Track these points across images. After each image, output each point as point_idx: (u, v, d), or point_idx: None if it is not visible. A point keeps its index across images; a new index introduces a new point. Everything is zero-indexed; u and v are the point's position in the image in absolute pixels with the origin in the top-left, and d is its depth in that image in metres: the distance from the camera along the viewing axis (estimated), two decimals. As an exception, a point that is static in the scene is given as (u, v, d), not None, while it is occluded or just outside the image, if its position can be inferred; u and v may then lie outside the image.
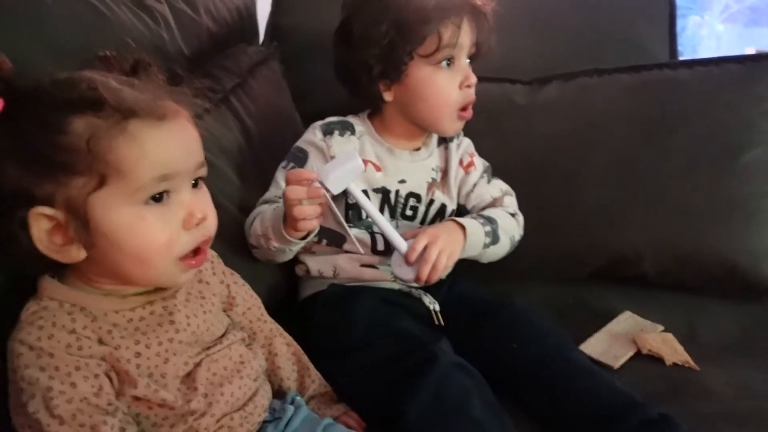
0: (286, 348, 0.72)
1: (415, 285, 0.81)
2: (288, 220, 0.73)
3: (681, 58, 1.28)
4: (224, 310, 0.67)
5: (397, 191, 0.88)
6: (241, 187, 0.91)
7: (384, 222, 0.76)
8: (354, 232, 0.83)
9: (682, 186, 0.98)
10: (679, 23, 1.33)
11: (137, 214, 0.50)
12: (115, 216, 0.50)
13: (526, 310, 0.82)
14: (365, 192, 0.84)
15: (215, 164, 0.87)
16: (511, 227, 0.90)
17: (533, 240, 0.94)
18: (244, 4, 1.22)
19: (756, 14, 2.42)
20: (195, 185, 0.56)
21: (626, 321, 0.90)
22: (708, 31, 2.35)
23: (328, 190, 0.71)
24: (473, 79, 0.85)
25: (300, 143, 0.88)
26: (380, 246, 0.86)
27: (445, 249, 0.76)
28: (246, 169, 0.94)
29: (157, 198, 0.52)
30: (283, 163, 0.87)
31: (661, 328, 0.88)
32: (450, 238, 0.79)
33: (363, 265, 0.85)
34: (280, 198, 0.81)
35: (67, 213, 0.49)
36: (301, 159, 0.86)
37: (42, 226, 0.49)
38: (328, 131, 0.87)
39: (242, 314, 0.69)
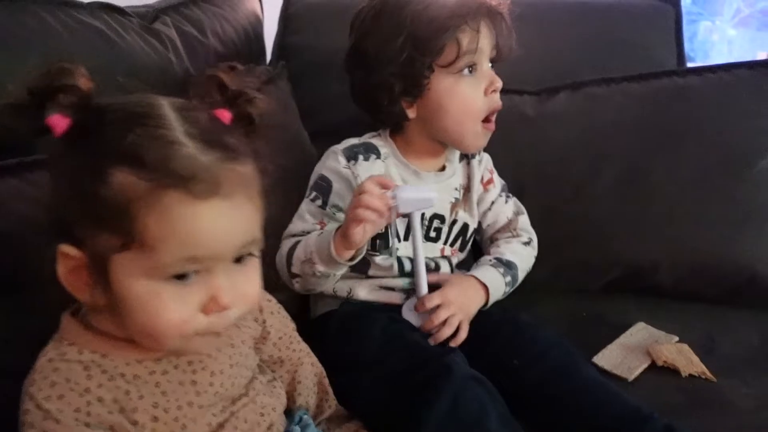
0: (311, 369, 0.69)
1: None
2: (345, 223, 0.71)
3: (691, 65, 1.27)
4: (255, 344, 0.63)
5: (423, 214, 0.84)
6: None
7: (423, 260, 0.77)
8: (379, 260, 0.82)
9: (696, 194, 0.97)
10: (690, 28, 1.32)
11: (153, 290, 0.45)
12: (131, 284, 0.45)
13: (530, 324, 0.80)
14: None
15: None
16: (528, 263, 0.90)
17: (546, 252, 0.93)
18: (250, 24, 1.24)
19: (769, 18, 2.39)
20: (239, 260, 0.48)
21: (640, 332, 0.88)
22: (719, 36, 2.33)
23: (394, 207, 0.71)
24: (499, 83, 0.82)
25: (322, 170, 0.84)
26: (407, 267, 0.84)
27: (458, 314, 0.77)
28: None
29: (182, 276, 0.45)
30: (310, 196, 0.83)
31: (676, 338, 0.86)
32: (468, 301, 0.80)
33: (382, 287, 0.84)
34: (308, 232, 0.80)
35: (90, 262, 0.45)
36: (325, 189, 0.82)
37: (67, 264, 0.46)
38: (351, 156, 0.83)
39: (273, 344, 0.65)
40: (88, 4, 0.82)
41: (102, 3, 0.84)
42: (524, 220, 0.94)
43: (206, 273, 0.46)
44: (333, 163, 0.83)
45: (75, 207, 0.45)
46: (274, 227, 0.92)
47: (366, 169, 0.82)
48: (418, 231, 0.76)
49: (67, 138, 0.44)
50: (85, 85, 0.45)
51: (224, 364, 0.54)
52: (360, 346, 0.75)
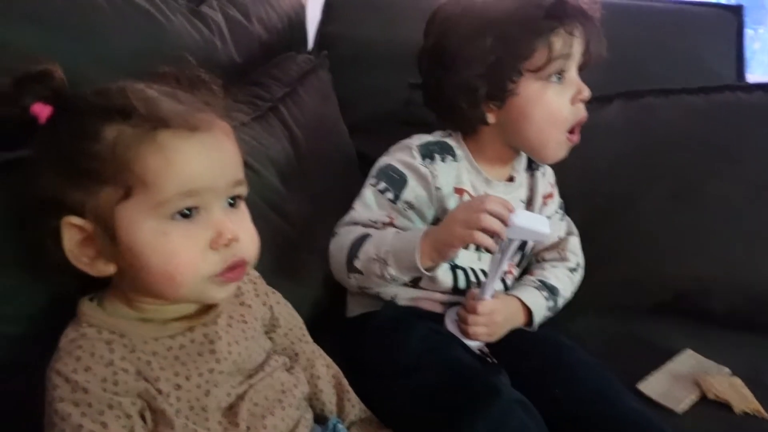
0: (326, 370, 0.69)
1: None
2: (448, 237, 0.66)
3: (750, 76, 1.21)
4: (266, 332, 0.64)
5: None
6: (287, 197, 0.89)
7: (498, 277, 0.74)
8: (439, 272, 0.78)
9: (754, 216, 0.92)
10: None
11: (161, 230, 0.48)
12: (139, 229, 0.48)
13: (571, 347, 0.77)
14: None
15: (262, 173, 0.86)
16: (571, 292, 0.87)
17: (589, 268, 0.90)
18: (294, 11, 1.21)
19: (815, 27, 2.28)
20: (232, 204, 0.53)
21: (688, 360, 0.84)
22: (761, 46, 2.24)
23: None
24: (587, 92, 0.77)
25: (393, 162, 0.79)
26: (461, 284, 0.81)
27: (487, 332, 0.75)
28: (293, 180, 0.92)
29: (186, 214, 0.49)
30: (378, 185, 0.78)
31: (728, 370, 0.81)
32: (506, 324, 0.78)
33: (427, 298, 0.82)
34: (375, 222, 0.77)
35: (96, 224, 0.48)
36: (397, 182, 0.78)
37: (74, 237, 0.49)
38: (427, 154, 0.78)
39: (284, 335, 0.67)
40: (136, -18, 0.79)
41: (150, -18, 0.81)
42: (575, 242, 0.90)
43: (206, 212, 0.50)
44: (407, 157, 0.78)
45: (73, 174, 0.47)
46: (315, 212, 0.91)
47: (444, 171, 0.78)
48: (508, 256, 0.71)
49: (51, 123, 0.49)
50: (59, 76, 0.50)
51: (239, 336, 0.56)
52: (398, 353, 0.72)
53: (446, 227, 0.68)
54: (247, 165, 0.83)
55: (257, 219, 0.82)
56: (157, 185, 0.47)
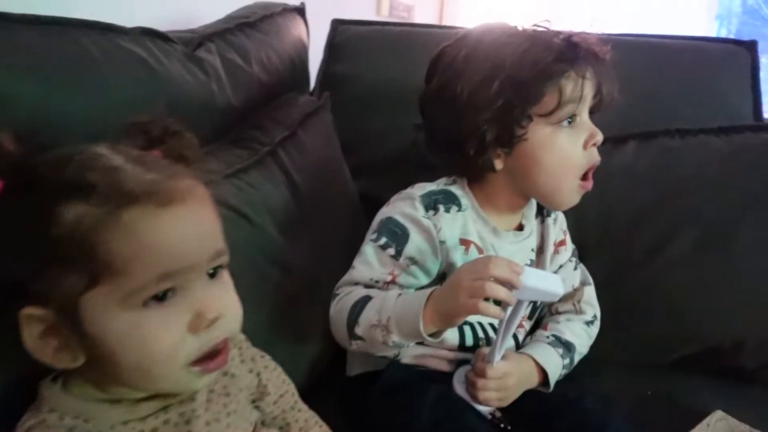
0: None
1: None
2: (452, 306, 0.62)
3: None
4: (254, 401, 0.59)
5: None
6: (286, 247, 0.85)
7: (508, 340, 0.70)
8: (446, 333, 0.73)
9: (791, 266, 0.86)
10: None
11: (133, 321, 0.42)
12: (107, 322, 0.42)
13: (597, 412, 0.70)
14: None
15: (258, 224, 0.81)
16: (586, 347, 0.82)
17: (609, 321, 0.84)
18: (296, 52, 1.19)
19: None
20: (213, 275, 0.47)
21: (719, 423, 0.77)
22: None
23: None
24: (600, 136, 0.73)
25: (395, 215, 0.74)
26: (468, 341, 0.76)
27: (498, 396, 0.71)
28: (293, 228, 0.87)
29: (161, 297, 0.43)
30: (379, 241, 0.73)
31: (765, 436, 0.75)
32: (519, 387, 0.73)
33: (433, 356, 0.77)
34: (377, 282, 0.72)
35: (59, 315, 0.42)
36: (399, 237, 0.73)
37: (34, 330, 0.43)
38: (430, 205, 0.74)
39: (274, 403, 0.61)
40: (132, 29, 0.76)
41: (146, 29, 0.78)
42: (590, 292, 0.85)
43: (184, 291, 0.44)
44: (409, 209, 0.74)
45: (29, 260, 0.42)
46: (317, 262, 0.87)
47: (449, 222, 0.74)
48: (518, 320, 0.67)
49: (4, 200, 0.43)
50: (10, 146, 0.44)
51: (220, 413, 0.51)
52: (405, 424, 0.67)
53: (450, 294, 0.63)
54: (244, 216, 0.81)
55: (254, 275, 0.80)
56: (127, 272, 0.41)
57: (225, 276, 0.49)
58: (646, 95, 1.06)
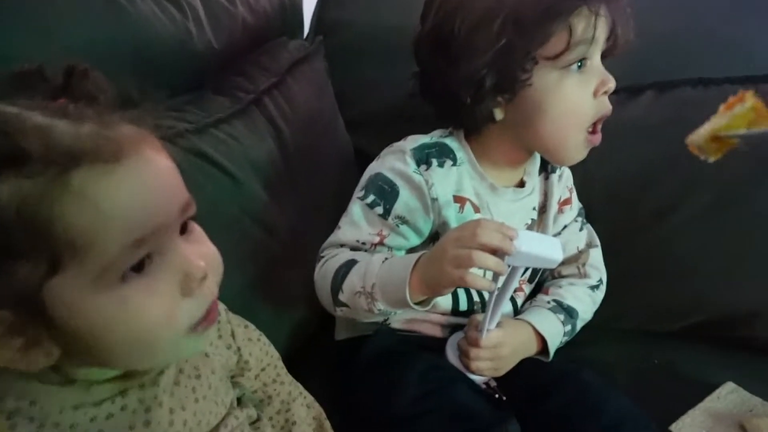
0: (305, 412, 0.60)
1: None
2: (438, 275, 0.57)
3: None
4: (233, 377, 0.55)
5: None
6: (271, 205, 0.80)
7: (503, 306, 0.64)
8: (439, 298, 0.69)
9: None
10: None
11: (115, 300, 0.36)
12: (85, 307, 0.36)
13: (597, 386, 0.66)
14: None
15: (241, 180, 0.76)
16: (590, 313, 0.77)
17: (616, 287, 0.79)
18: (288, -7, 1.10)
19: None
20: (183, 231, 0.41)
21: (730, 396, 0.73)
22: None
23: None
24: (612, 83, 0.65)
25: (384, 170, 0.69)
26: (462, 306, 0.72)
27: (492, 366, 0.67)
28: (279, 185, 0.82)
29: (137, 268, 0.37)
30: (366, 199, 0.68)
31: (776, 409, 0.71)
32: (515, 356, 0.69)
33: (425, 320, 0.73)
34: (364, 243, 0.67)
35: (18, 313, 0.35)
36: (388, 194, 0.67)
37: None
38: (422, 159, 0.68)
39: (255, 377, 0.58)
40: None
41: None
42: (597, 255, 0.79)
43: (162, 255, 0.39)
44: (400, 164, 0.68)
45: None
46: (305, 221, 0.81)
47: (442, 178, 0.68)
48: (513, 286, 0.62)
49: None
50: None
51: (187, 399, 0.46)
52: (392, 397, 0.63)
53: (436, 263, 0.57)
54: (224, 170, 0.75)
55: (235, 234, 0.75)
56: (94, 248, 0.35)
57: (196, 227, 0.43)
58: (665, 39, 0.96)
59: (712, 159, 0.41)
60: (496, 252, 0.54)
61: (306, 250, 0.75)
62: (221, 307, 0.55)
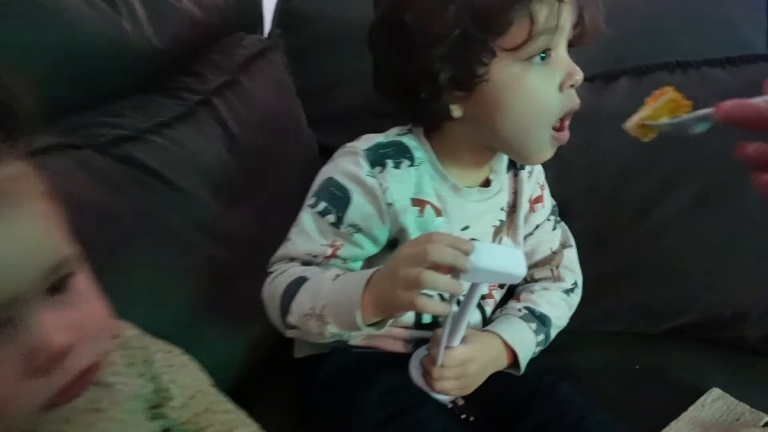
0: None
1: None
2: (386, 293, 0.52)
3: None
4: (155, 407, 0.49)
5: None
6: (222, 213, 0.74)
7: (465, 325, 0.59)
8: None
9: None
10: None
11: None
12: None
13: (574, 402, 0.61)
14: None
15: (183, 188, 0.71)
16: (565, 320, 0.73)
17: (594, 288, 0.75)
18: (243, -16, 1.04)
19: None
20: (59, 289, 0.35)
21: (716, 403, 0.68)
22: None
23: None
24: (579, 75, 0.59)
25: (335, 174, 0.63)
26: (426, 318, 0.67)
27: (458, 385, 0.62)
28: (230, 192, 0.76)
29: None
30: (318, 207, 0.62)
31: (766, 417, 0.66)
32: (483, 372, 0.64)
33: (385, 335, 0.67)
34: (315, 256, 0.62)
35: None
36: (340, 200, 0.62)
37: None
38: (377, 161, 0.62)
39: (181, 407, 0.51)
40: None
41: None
42: (571, 255, 0.74)
43: (14, 326, 0.33)
44: (352, 167, 0.62)
45: None
46: (262, 228, 0.76)
47: (398, 180, 0.62)
48: (475, 301, 0.56)
49: None
50: None
51: None
52: (352, 421, 0.58)
53: (387, 283, 0.52)
54: (162, 179, 0.69)
55: (177, 247, 0.69)
56: None
57: (78, 284, 0.37)
58: (640, 21, 0.91)
59: (644, 140, 0.48)
60: (452, 269, 0.49)
61: (265, 259, 0.70)
62: (132, 332, 0.49)
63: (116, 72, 0.73)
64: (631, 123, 0.48)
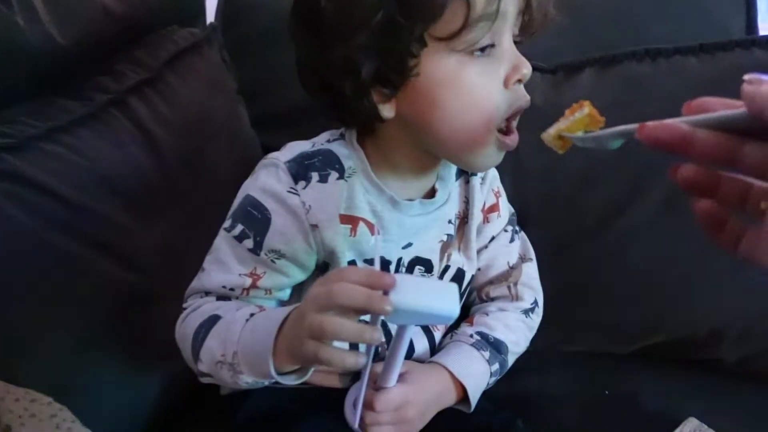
0: None
1: None
2: (293, 344, 0.45)
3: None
4: None
5: (399, 260, 0.59)
6: (131, 229, 0.66)
7: (401, 361, 0.51)
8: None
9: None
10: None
11: None
12: None
13: None
14: None
15: (78, 202, 0.62)
16: (524, 345, 0.65)
17: (556, 306, 0.67)
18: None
19: None
20: None
21: (692, 435, 0.61)
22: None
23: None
24: (527, 69, 0.51)
25: (252, 191, 0.55)
26: (362, 348, 0.58)
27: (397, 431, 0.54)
28: (144, 204, 0.68)
29: None
30: (234, 231, 0.55)
31: (747, 451, 0.59)
32: (426, 414, 0.56)
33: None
34: (233, 290, 0.54)
35: None
36: (258, 222, 0.54)
37: None
38: (301, 174, 0.54)
39: None
40: None
41: None
42: (531, 271, 0.66)
43: None
44: (272, 182, 0.54)
45: None
46: (186, 243, 0.67)
47: (324, 196, 0.54)
48: (405, 341, 0.48)
49: None
50: None
51: None
52: None
53: (297, 329, 0.44)
54: (53, 194, 0.59)
55: (72, 272, 0.59)
56: None
57: None
58: (606, 9, 0.84)
59: (560, 152, 0.48)
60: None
61: (188, 282, 0.61)
62: None
63: (9, 72, 0.64)
64: (548, 134, 0.47)
